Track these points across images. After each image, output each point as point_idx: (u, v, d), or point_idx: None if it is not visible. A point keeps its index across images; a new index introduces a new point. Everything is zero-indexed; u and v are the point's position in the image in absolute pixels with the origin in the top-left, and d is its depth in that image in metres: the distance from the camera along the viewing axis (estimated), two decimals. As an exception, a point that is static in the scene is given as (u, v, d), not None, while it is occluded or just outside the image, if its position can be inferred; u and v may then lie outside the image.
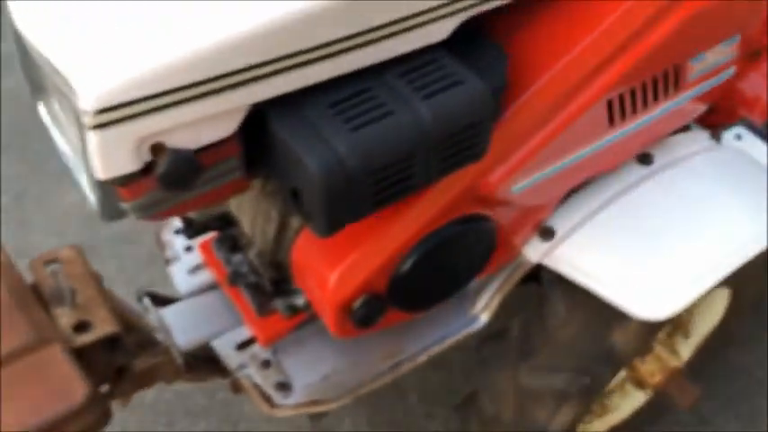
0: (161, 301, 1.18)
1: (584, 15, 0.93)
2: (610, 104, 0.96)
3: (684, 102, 1.06)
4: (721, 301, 1.39)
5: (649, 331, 1.19)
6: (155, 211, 0.75)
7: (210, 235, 1.17)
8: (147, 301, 1.15)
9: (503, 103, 0.90)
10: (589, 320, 1.14)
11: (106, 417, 0.89)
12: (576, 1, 0.93)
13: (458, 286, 1.03)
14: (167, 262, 1.26)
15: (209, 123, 0.71)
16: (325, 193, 0.72)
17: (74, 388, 0.84)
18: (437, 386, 1.69)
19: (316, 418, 1.13)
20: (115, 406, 0.97)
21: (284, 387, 1.09)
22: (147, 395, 1.60)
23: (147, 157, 0.70)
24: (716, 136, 1.22)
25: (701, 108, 1.14)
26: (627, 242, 1.08)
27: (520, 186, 0.96)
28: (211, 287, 1.21)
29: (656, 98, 1.02)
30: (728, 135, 1.24)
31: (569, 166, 1.00)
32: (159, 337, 1.08)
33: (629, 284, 1.05)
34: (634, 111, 1.00)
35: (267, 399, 1.08)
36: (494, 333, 1.21)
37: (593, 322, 1.14)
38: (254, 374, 1.10)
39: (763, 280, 1.34)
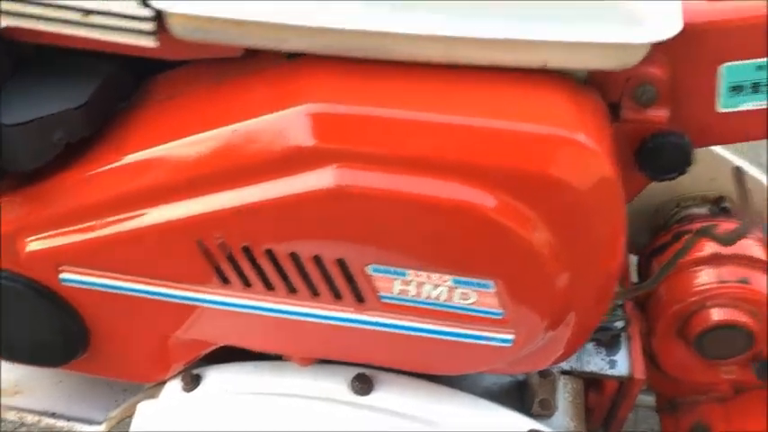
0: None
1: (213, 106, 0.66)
2: (206, 252, 0.66)
3: (383, 327, 0.68)
4: None
5: None
6: None
7: None
8: None
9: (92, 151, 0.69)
10: None
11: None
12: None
13: (14, 354, 0.82)
14: None
15: None
16: None
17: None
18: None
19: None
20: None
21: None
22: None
23: None
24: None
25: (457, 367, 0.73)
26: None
27: (69, 278, 0.72)
28: None
29: (314, 292, 0.67)
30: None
31: (162, 302, 0.71)
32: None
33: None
34: (268, 286, 0.67)
35: None
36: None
37: None
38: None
39: None
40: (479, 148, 0.59)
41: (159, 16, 0.62)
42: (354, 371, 0.78)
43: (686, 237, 0.95)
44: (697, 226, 0.96)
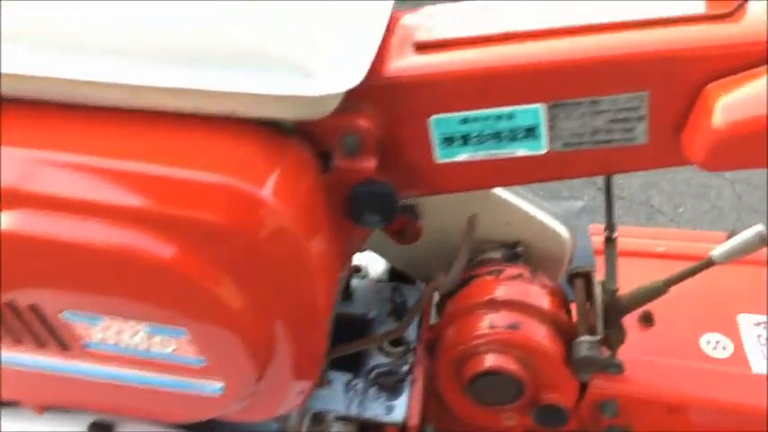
0: None
1: None
2: None
3: (94, 376, 0.67)
4: None
5: None
6: None
7: None
8: None
9: None
10: None
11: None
12: None
13: None
14: None
15: None
16: None
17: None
18: None
19: None
20: None
21: None
22: None
23: None
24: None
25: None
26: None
27: None
28: None
29: (17, 339, 0.66)
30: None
31: None
32: None
33: None
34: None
35: None
36: None
37: None
38: None
39: None
40: (156, 196, 0.59)
41: None
42: (93, 417, 0.77)
43: (474, 280, 0.96)
44: (485, 270, 0.97)
